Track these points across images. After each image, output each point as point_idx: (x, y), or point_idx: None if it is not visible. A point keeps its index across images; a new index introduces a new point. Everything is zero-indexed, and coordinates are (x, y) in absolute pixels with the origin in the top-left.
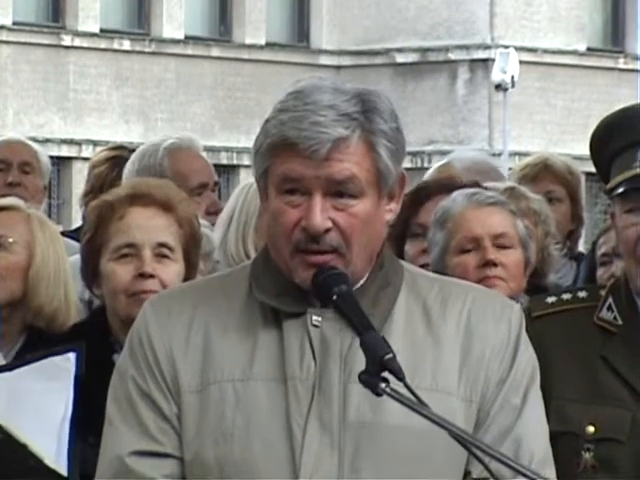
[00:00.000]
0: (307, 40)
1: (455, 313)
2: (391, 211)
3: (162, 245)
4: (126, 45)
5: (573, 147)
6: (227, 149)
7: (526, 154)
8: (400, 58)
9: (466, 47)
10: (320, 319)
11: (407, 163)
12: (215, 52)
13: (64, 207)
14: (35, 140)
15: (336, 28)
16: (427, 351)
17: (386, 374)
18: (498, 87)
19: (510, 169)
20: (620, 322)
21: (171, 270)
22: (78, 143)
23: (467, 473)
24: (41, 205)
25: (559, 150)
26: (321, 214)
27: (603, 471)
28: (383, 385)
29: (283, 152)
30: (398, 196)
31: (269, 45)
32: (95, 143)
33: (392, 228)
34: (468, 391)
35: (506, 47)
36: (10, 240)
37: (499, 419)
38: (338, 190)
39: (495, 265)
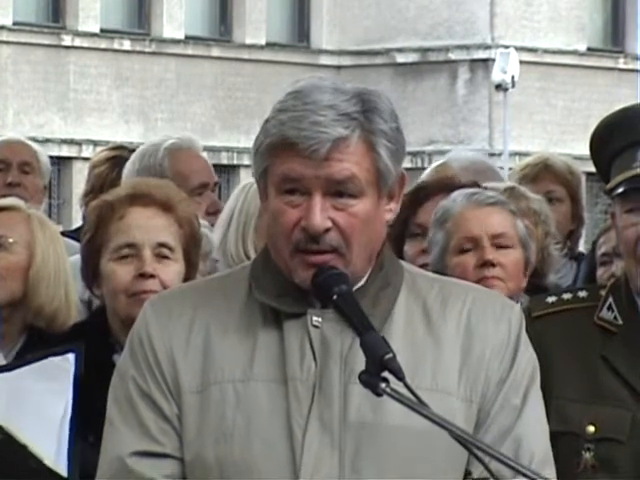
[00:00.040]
0: (307, 40)
1: (455, 313)
2: (391, 211)
3: (162, 245)
4: (126, 45)
5: (573, 147)
6: (227, 149)
7: (526, 154)
8: (400, 58)
9: (466, 47)
10: (320, 320)
11: (407, 163)
12: (215, 52)
13: (64, 207)
14: (35, 140)
15: (336, 28)
16: (427, 351)
17: (386, 374)
18: (498, 87)
19: (510, 169)
20: (620, 322)
21: (171, 270)
22: (78, 143)
23: (467, 473)
24: (41, 205)
25: (559, 150)
26: (321, 214)
27: (603, 471)
28: (383, 385)
29: (283, 152)
30: (398, 196)
31: (269, 45)
32: (95, 143)
33: (391, 228)
34: (468, 391)
35: (506, 47)
36: (10, 240)
37: (499, 419)
38: (338, 190)
39: (493, 265)
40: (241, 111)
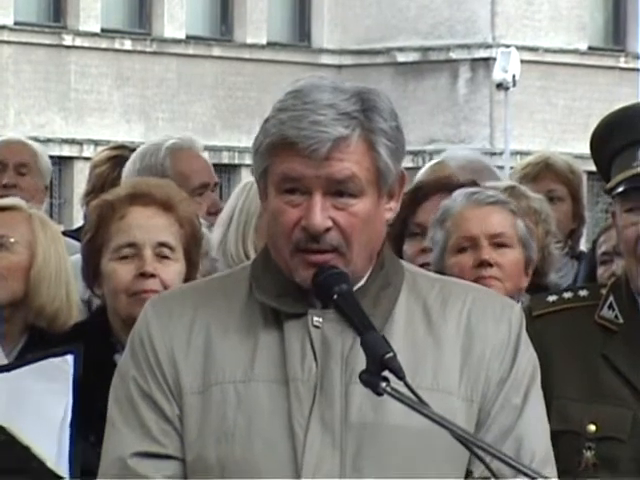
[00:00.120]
0: (308, 39)
1: (455, 313)
2: (391, 210)
3: (163, 245)
4: (127, 45)
5: (574, 146)
6: (228, 149)
7: (527, 153)
8: (401, 57)
9: (467, 46)
10: (321, 320)
11: (408, 162)
12: (216, 52)
13: (65, 207)
14: (36, 140)
15: (337, 27)
16: (428, 351)
17: (387, 373)
18: (499, 86)
19: (511, 168)
20: (621, 320)
21: (172, 270)
22: (79, 143)
23: (469, 473)
24: (42, 205)
25: (560, 149)
26: (321, 213)
27: (604, 470)
28: (383, 384)
29: (283, 151)
30: (398, 195)
31: (270, 45)
32: (96, 143)
33: (390, 228)
34: (469, 391)
35: (507, 46)
36: (11, 240)
37: (500, 419)
38: (338, 189)
39: (490, 265)
40: (242, 111)
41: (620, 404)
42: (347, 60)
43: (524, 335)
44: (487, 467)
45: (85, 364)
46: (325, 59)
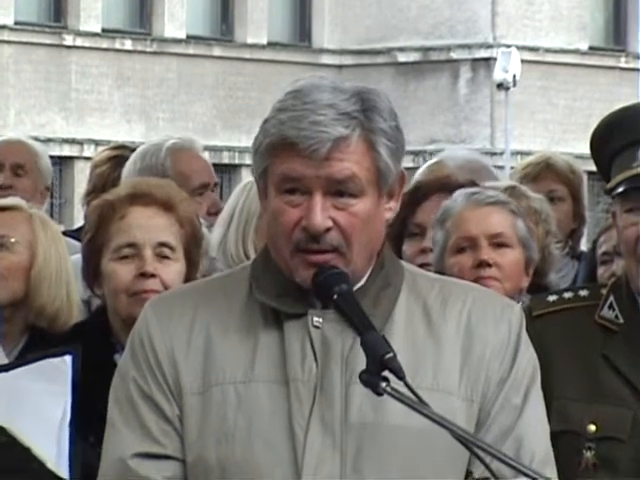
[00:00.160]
0: (309, 39)
1: (455, 313)
2: (391, 210)
3: (163, 245)
4: (128, 45)
5: (575, 146)
6: (229, 149)
7: (528, 153)
8: (402, 57)
9: (468, 46)
10: (321, 320)
11: (409, 162)
12: (217, 52)
13: (66, 207)
14: (37, 140)
15: (338, 27)
16: (428, 351)
17: (386, 373)
18: (500, 86)
19: (512, 168)
20: (621, 320)
21: (172, 270)
22: (80, 143)
23: (469, 473)
24: (43, 205)
25: (561, 149)
26: (322, 213)
27: (604, 470)
28: (383, 384)
29: (282, 152)
30: (397, 195)
31: (271, 44)
32: (97, 143)
33: (390, 228)
34: (469, 391)
35: (508, 46)
36: (12, 240)
37: (500, 419)
38: (338, 189)
39: (489, 265)
40: (242, 111)
41: (620, 404)
42: (348, 60)
43: (524, 335)
44: (487, 467)
45: (85, 364)
46: (326, 59)
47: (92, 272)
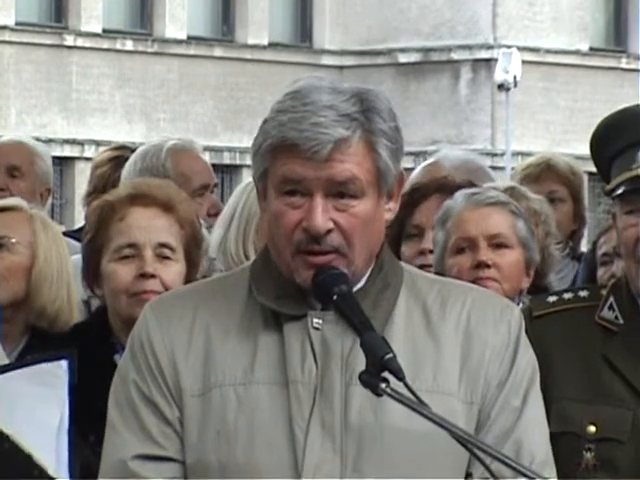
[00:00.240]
0: (310, 40)
1: (455, 315)
2: (390, 210)
3: (163, 245)
4: (129, 45)
5: (576, 147)
6: (230, 149)
7: (529, 154)
8: (403, 58)
9: (469, 47)
10: (321, 322)
11: (410, 163)
12: (218, 52)
13: (67, 207)
14: (38, 140)
15: (339, 28)
16: (427, 353)
17: (386, 374)
18: (501, 87)
19: (513, 169)
20: (621, 321)
21: (172, 270)
22: (81, 143)
23: (468, 475)
24: (44, 207)
25: (562, 150)
26: (322, 215)
27: (604, 471)
28: (383, 385)
29: (283, 153)
30: (397, 195)
31: (272, 45)
32: (98, 143)
33: (388, 229)
34: (469, 393)
35: (509, 47)
36: (13, 241)
37: (500, 421)
38: (339, 191)
39: (488, 266)
40: (243, 111)
41: (620, 405)
42: (349, 61)
43: (523, 337)
44: (487, 468)
45: (85, 364)
46: (327, 60)
47: (92, 272)
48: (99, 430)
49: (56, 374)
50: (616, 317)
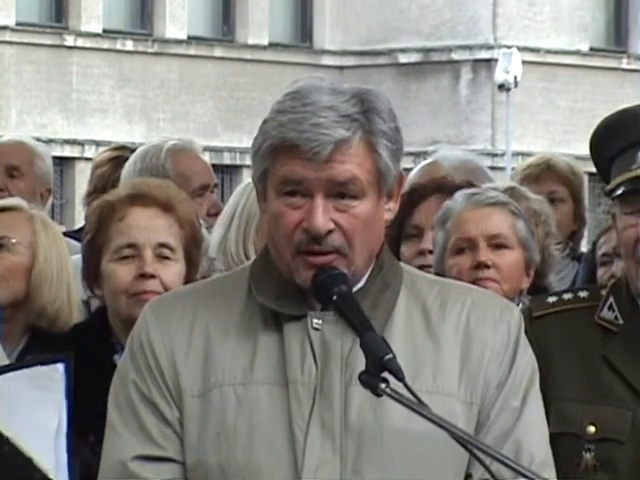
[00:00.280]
0: (310, 40)
1: (454, 315)
2: (390, 210)
3: (163, 245)
4: (129, 45)
5: (576, 147)
6: (230, 149)
7: (529, 154)
8: (403, 58)
9: (469, 47)
10: (321, 322)
11: (410, 163)
12: (218, 52)
13: (67, 207)
14: (38, 140)
15: (339, 28)
16: (427, 353)
17: (386, 374)
18: (501, 87)
19: (513, 169)
20: (621, 321)
21: (172, 271)
22: (81, 143)
23: (468, 475)
24: (44, 208)
25: (562, 150)
26: (323, 215)
27: (604, 471)
28: (383, 385)
29: (283, 154)
30: (396, 195)
31: (272, 45)
32: (98, 143)
33: (387, 229)
34: (468, 393)
35: (509, 47)
36: (13, 241)
37: (499, 421)
38: (340, 191)
39: (487, 267)
40: (243, 111)
41: (620, 405)
42: (349, 61)
43: (523, 338)
44: (487, 469)
45: (85, 364)
46: (327, 60)
47: (92, 273)
48: (99, 430)
49: (53, 377)
50: (616, 317)
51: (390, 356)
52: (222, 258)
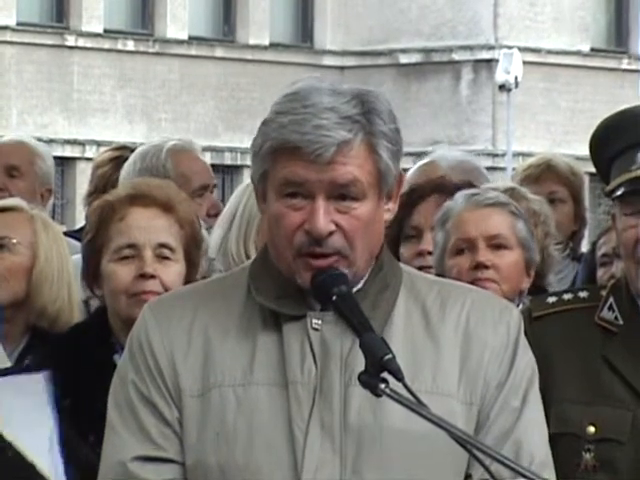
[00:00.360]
0: (311, 41)
1: (454, 316)
2: (389, 211)
3: (163, 246)
4: (130, 45)
5: (577, 148)
6: (231, 149)
7: (529, 154)
8: (404, 59)
9: (470, 47)
10: (320, 322)
11: (410, 164)
12: (219, 52)
13: (68, 207)
14: (39, 140)
15: (340, 29)
16: (427, 354)
17: (385, 375)
18: (502, 87)
19: (514, 169)
20: (621, 322)
21: (172, 271)
22: (82, 143)
23: (468, 476)
24: (45, 208)
25: (563, 151)
26: (325, 217)
27: (604, 471)
28: (382, 386)
29: (284, 155)
30: (396, 196)
31: (273, 45)
32: (99, 143)
33: (387, 230)
34: (468, 394)
35: (510, 47)
36: (13, 241)
37: (499, 422)
38: (341, 193)
39: (487, 267)
40: (244, 111)
41: (619, 405)
42: (350, 61)
43: (522, 338)
44: (486, 469)
45: (85, 364)
46: (328, 60)
47: (92, 273)
48: (99, 430)
49: (35, 390)
50: (616, 318)
51: (389, 356)
52: (222, 259)
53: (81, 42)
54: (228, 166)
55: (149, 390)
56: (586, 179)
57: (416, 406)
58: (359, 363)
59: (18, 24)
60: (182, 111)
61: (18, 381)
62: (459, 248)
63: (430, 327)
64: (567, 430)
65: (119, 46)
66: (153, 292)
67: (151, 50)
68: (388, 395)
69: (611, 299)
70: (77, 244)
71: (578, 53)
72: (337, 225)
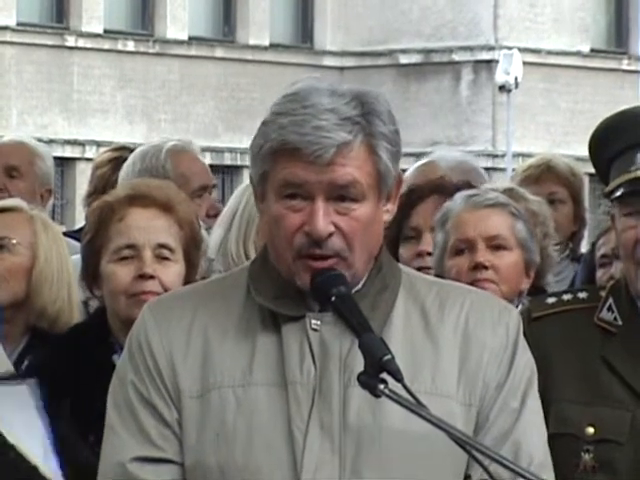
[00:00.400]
0: (311, 41)
1: (453, 317)
2: (388, 212)
3: (162, 246)
4: (130, 46)
5: (577, 148)
6: (231, 150)
7: (529, 155)
8: (404, 59)
9: (470, 48)
10: (319, 323)
11: (410, 164)
12: (219, 53)
13: (67, 208)
14: (39, 141)
15: (340, 29)
16: (426, 355)
17: (385, 375)
18: (502, 88)
19: (514, 170)
20: (620, 323)
21: (171, 271)
22: (82, 144)
23: (467, 477)
24: (45, 208)
25: (563, 151)
26: (324, 219)
27: (603, 472)
28: (381, 386)
29: (284, 156)
30: (395, 197)
31: (273, 46)
32: (98, 144)
33: (386, 231)
34: (467, 395)
35: (510, 48)
36: (13, 241)
37: (498, 423)
38: (340, 194)
39: (486, 268)
40: (244, 112)
41: (619, 406)
42: (350, 62)
43: (521, 339)
44: (485, 470)
45: (84, 365)
46: (328, 61)
47: (91, 273)
48: (99, 430)
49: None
50: (615, 318)
51: (389, 357)
52: (222, 259)
53: (81, 42)
54: (228, 166)
55: (148, 391)
56: (586, 180)
57: (415, 407)
58: (358, 364)
59: (18, 24)
60: (182, 111)
61: (2, 392)
62: (458, 249)
63: (429, 328)
64: (566, 431)
65: (119, 46)
66: (152, 292)
67: (151, 50)
68: (387, 396)
69: (610, 300)
70: (77, 244)
71: (578, 54)
72: (336, 226)
